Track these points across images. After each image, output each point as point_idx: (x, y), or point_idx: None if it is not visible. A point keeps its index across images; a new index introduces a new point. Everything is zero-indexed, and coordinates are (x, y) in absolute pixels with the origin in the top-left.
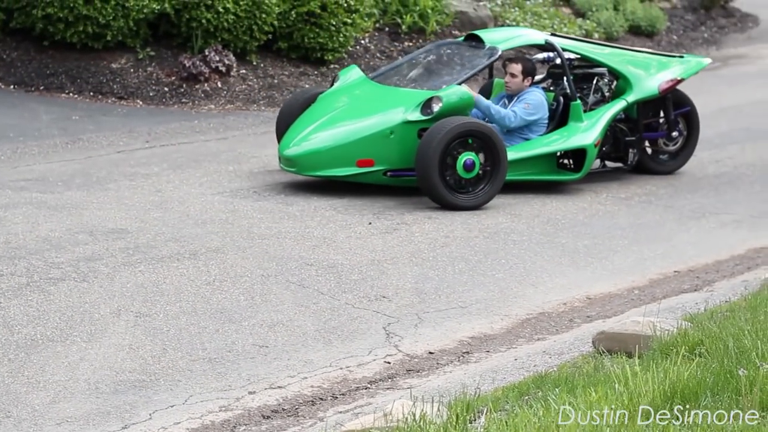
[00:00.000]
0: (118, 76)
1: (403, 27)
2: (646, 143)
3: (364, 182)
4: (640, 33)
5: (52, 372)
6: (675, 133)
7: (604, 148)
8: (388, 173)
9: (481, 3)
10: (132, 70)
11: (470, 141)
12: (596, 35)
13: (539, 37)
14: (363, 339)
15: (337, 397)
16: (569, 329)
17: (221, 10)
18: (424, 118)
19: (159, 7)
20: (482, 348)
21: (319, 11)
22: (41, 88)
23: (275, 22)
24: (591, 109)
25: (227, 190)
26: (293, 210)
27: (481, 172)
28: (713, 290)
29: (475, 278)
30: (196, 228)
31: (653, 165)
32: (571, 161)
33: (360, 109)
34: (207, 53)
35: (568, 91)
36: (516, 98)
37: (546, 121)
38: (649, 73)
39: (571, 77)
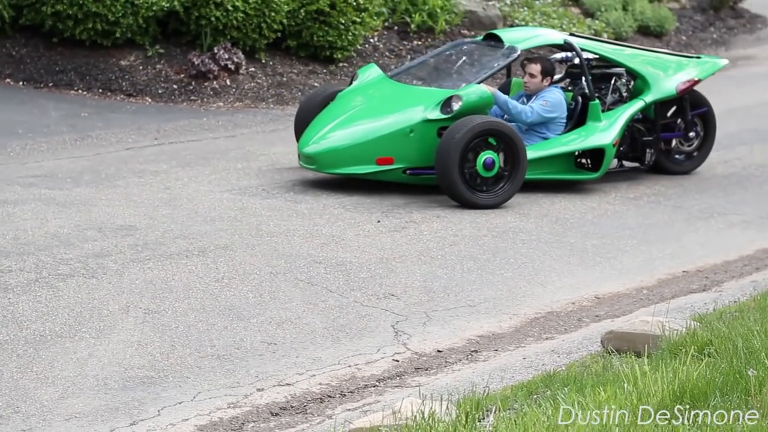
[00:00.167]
0: (127, 73)
1: (412, 26)
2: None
3: (384, 180)
4: (648, 33)
5: (60, 368)
6: (692, 134)
7: (621, 148)
8: (408, 171)
9: (490, 2)
10: (141, 67)
11: (490, 140)
12: (605, 35)
13: (558, 37)
14: (371, 337)
15: (345, 395)
16: (578, 328)
17: (230, 8)
18: (443, 116)
19: (168, 4)
20: (491, 346)
21: (328, 10)
22: (50, 84)
23: (284, 21)
24: (609, 109)
25: (236, 187)
26: (302, 208)
27: (500, 170)
28: (722, 290)
29: (483, 277)
30: (205, 225)
31: (670, 165)
32: (588, 161)
33: (379, 108)
34: (216, 51)
35: (587, 90)
36: (535, 97)
37: (564, 121)
38: (667, 74)
39: (590, 77)
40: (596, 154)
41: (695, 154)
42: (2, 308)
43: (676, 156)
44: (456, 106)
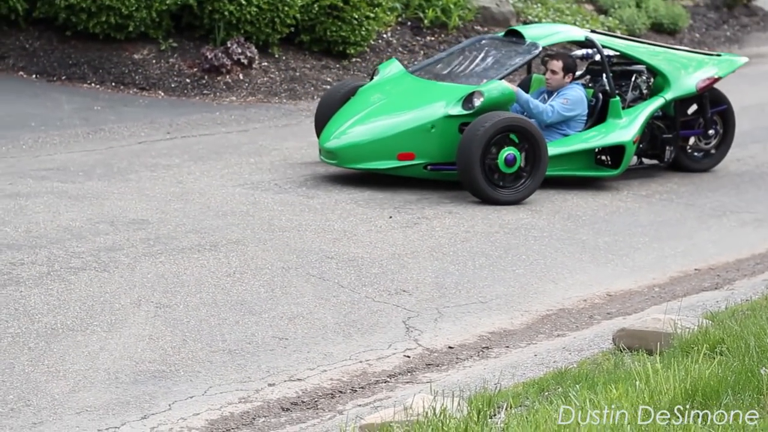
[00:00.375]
0: (140, 67)
1: (426, 21)
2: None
3: (404, 176)
4: (662, 30)
5: (72, 361)
6: (711, 132)
7: (641, 145)
8: (429, 167)
9: None
10: (154, 61)
11: (512, 136)
12: (618, 32)
13: (579, 33)
14: (383, 333)
15: (356, 391)
16: (589, 326)
17: (244, 2)
18: (465, 112)
19: None
20: (502, 343)
21: (341, 5)
22: (63, 78)
23: (298, 15)
24: (629, 106)
25: (248, 182)
26: (314, 203)
27: (522, 167)
28: (734, 289)
29: (495, 273)
30: (217, 220)
31: (688, 162)
32: (608, 158)
33: (400, 103)
34: (229, 45)
35: (608, 87)
36: (556, 94)
37: (585, 118)
38: (687, 72)
39: (611, 74)
40: (616, 151)
41: (713, 151)
42: (14, 301)
43: (695, 153)
44: (477, 102)
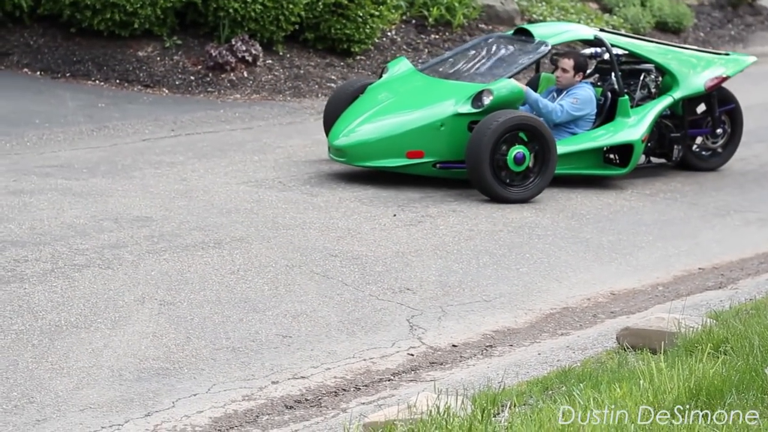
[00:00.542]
0: (145, 64)
1: (430, 20)
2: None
3: (413, 174)
4: (666, 29)
5: (75, 358)
6: (719, 131)
7: (649, 144)
8: (438, 165)
9: None
10: (158, 58)
11: (521, 135)
12: (622, 31)
13: (588, 32)
14: (386, 331)
15: (360, 389)
16: (593, 325)
17: None
18: (474, 110)
19: None
20: (506, 342)
21: (346, 2)
22: (68, 75)
23: (302, 13)
24: (637, 105)
25: (252, 179)
26: (318, 201)
27: (531, 165)
28: (738, 288)
29: (499, 272)
30: (221, 217)
31: (696, 161)
32: (617, 156)
33: (410, 101)
34: (233, 43)
35: (616, 86)
36: (565, 92)
37: (593, 117)
38: (696, 71)
39: (619, 73)
40: (625, 150)
41: (721, 150)
42: (18, 298)
43: (703, 152)
44: (487, 100)
